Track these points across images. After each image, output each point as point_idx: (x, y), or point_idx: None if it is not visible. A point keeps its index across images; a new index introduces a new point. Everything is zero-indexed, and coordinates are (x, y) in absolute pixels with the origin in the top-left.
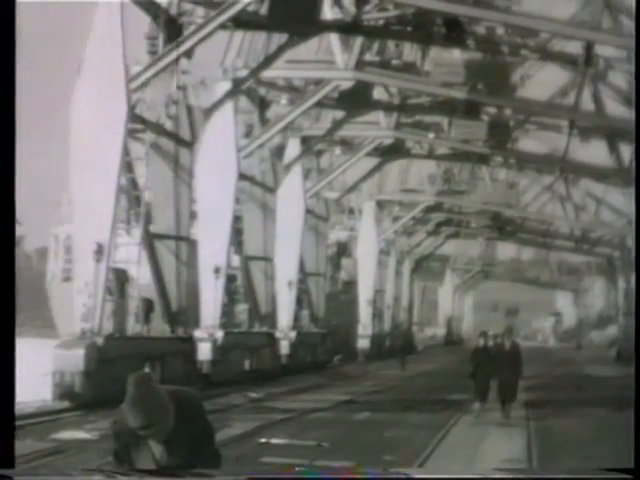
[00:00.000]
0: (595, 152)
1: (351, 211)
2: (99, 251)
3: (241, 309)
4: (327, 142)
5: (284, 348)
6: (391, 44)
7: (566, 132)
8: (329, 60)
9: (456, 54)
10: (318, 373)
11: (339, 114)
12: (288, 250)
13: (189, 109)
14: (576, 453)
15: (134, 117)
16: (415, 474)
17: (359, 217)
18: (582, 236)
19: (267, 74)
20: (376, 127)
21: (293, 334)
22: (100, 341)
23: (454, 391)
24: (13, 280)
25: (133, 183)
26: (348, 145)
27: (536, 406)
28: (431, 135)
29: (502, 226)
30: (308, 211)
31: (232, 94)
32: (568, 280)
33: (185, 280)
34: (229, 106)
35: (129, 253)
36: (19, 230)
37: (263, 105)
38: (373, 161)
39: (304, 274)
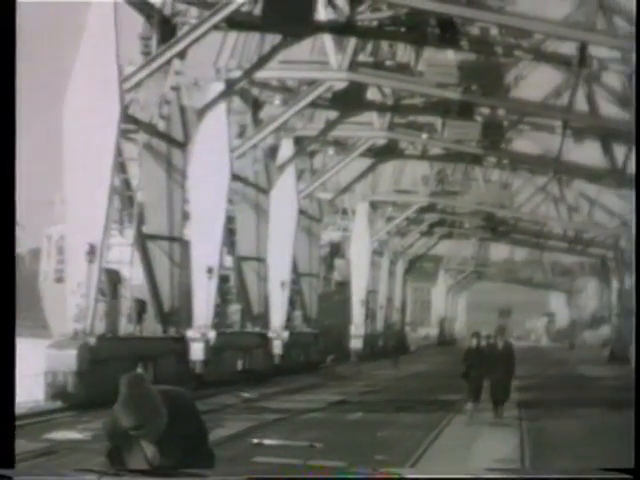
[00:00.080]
0: (589, 153)
1: (344, 212)
2: (92, 252)
3: (234, 309)
4: (320, 143)
5: (277, 348)
6: (385, 45)
7: (560, 133)
8: (323, 61)
9: (450, 55)
10: (311, 373)
11: (332, 115)
12: (281, 251)
13: (182, 110)
14: (569, 453)
15: (127, 117)
16: (407, 474)
17: (352, 218)
18: (575, 237)
19: (260, 75)
20: (369, 128)
21: (286, 334)
22: (93, 341)
23: (447, 391)
24: (13, 280)
25: (126, 184)
26: (341, 146)
27: (529, 406)
28: (424, 136)
29: (495, 227)
30: (301, 212)
31: (225, 95)
32: (561, 281)
33: (178, 280)
34: (222, 107)
35: (122, 254)
36: None
37: (256, 106)
38: (366, 162)
39: (297, 274)
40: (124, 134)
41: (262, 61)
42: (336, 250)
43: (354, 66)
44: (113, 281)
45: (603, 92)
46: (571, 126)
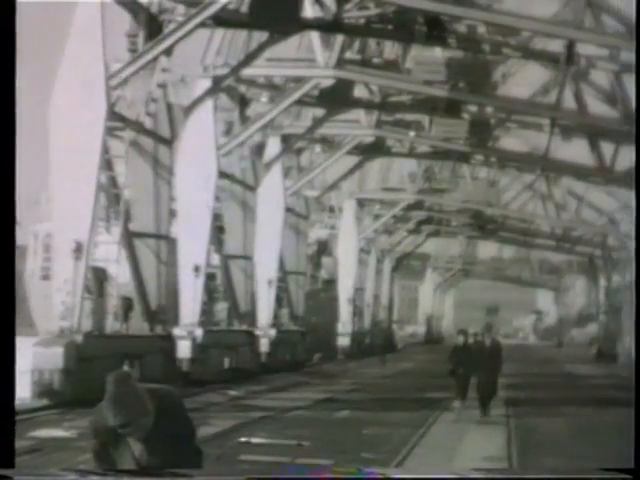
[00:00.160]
0: (576, 151)
1: (331, 209)
2: (78, 249)
3: (221, 307)
4: (307, 140)
5: (264, 346)
6: (372, 42)
7: (547, 130)
8: (310, 58)
9: (437, 52)
10: (298, 371)
11: (319, 112)
12: (268, 248)
13: (169, 107)
14: (556, 451)
15: (114, 115)
16: (394, 474)
17: (339, 215)
18: (563, 235)
19: (247, 72)
20: (357, 125)
21: (273, 332)
22: (79, 339)
23: (434, 389)
24: (13, 280)
25: (112, 181)
26: (328, 143)
27: (516, 404)
28: (412, 133)
29: (483, 225)
30: (288, 209)
31: (212, 92)
32: (549, 278)
33: (164, 278)
34: (209, 104)
35: (108, 251)
36: None
37: (243, 103)
38: (354, 159)
39: (284, 272)
40: (110, 131)
41: (249, 58)
42: (323, 248)
43: (341, 63)
44: (100, 279)
45: (591, 90)
46: (559, 124)
